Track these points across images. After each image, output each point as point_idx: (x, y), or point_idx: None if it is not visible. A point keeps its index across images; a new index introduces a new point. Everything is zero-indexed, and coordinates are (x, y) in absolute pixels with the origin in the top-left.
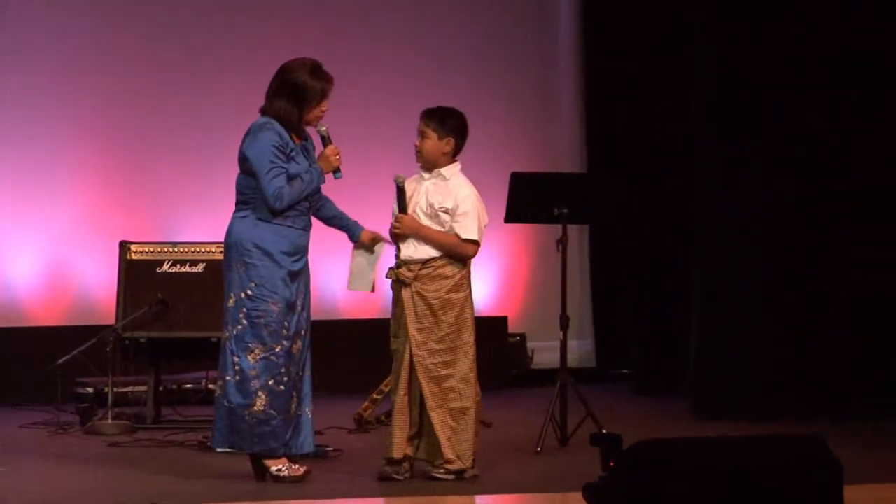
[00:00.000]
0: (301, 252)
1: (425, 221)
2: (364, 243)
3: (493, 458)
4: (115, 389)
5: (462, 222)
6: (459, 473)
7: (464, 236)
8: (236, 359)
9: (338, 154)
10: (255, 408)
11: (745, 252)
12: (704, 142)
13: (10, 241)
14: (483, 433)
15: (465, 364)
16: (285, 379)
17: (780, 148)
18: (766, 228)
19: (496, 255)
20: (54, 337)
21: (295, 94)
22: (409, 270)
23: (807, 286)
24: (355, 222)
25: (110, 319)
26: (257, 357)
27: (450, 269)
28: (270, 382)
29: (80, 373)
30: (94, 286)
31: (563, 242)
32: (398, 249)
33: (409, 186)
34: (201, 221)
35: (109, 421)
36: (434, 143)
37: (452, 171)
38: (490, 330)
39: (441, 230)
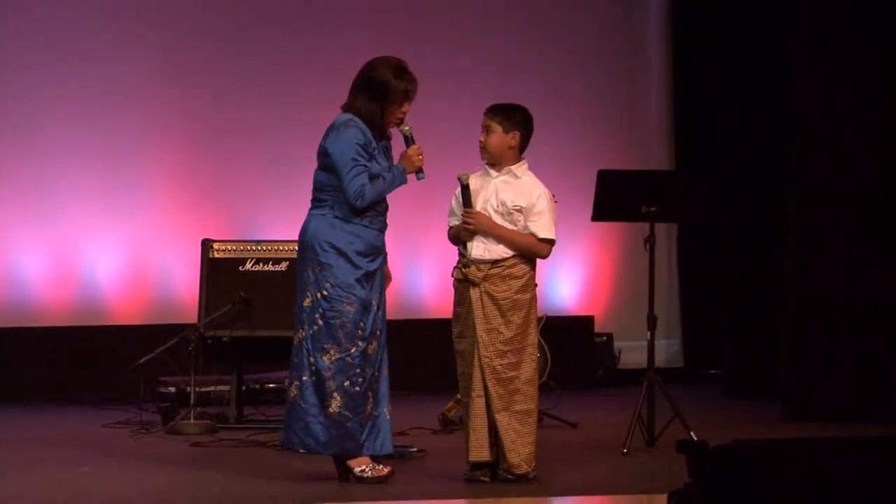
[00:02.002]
0: (376, 252)
1: (497, 220)
2: None
3: (580, 459)
4: (197, 389)
5: (538, 221)
6: (523, 477)
7: (541, 235)
8: (312, 359)
9: (420, 154)
10: (331, 409)
11: (837, 252)
12: (795, 141)
13: (95, 240)
14: (569, 433)
15: (531, 366)
16: (360, 380)
17: (873, 149)
18: (858, 229)
19: (583, 254)
20: (137, 336)
21: (378, 93)
22: (479, 270)
23: None
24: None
25: (193, 318)
26: (333, 358)
27: (519, 269)
28: (346, 383)
29: (162, 372)
30: (177, 285)
31: (650, 241)
32: (464, 248)
33: (473, 183)
34: (284, 219)
35: (191, 421)
36: (499, 137)
37: (522, 168)
38: (576, 330)
39: (514, 229)
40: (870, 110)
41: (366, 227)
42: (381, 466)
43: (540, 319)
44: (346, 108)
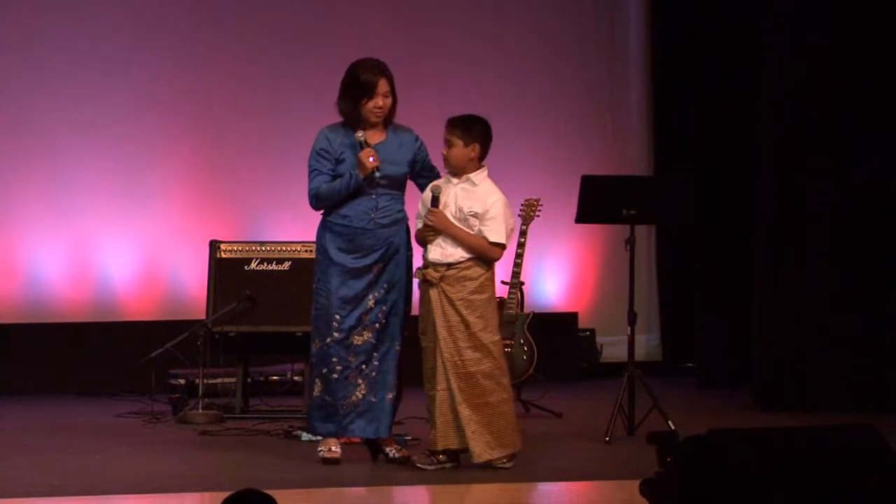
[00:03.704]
0: (364, 249)
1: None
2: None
3: (564, 447)
4: (205, 381)
5: (490, 226)
6: (487, 465)
7: (491, 240)
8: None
9: (371, 156)
10: (315, 393)
11: (806, 245)
12: (768, 141)
13: (107, 239)
14: (554, 422)
15: (491, 361)
16: (339, 368)
17: (844, 148)
18: (829, 222)
19: (567, 254)
20: (148, 331)
21: (350, 90)
22: (436, 271)
23: (870, 278)
24: None
25: (201, 314)
26: (317, 346)
27: (475, 272)
28: (324, 371)
29: (172, 365)
30: (186, 283)
31: (631, 242)
32: (426, 251)
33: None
34: (287, 222)
35: (200, 411)
36: (460, 150)
37: (481, 176)
38: (561, 325)
39: (470, 233)
40: (842, 112)
41: (346, 225)
42: (335, 448)
43: (527, 316)
44: (337, 105)
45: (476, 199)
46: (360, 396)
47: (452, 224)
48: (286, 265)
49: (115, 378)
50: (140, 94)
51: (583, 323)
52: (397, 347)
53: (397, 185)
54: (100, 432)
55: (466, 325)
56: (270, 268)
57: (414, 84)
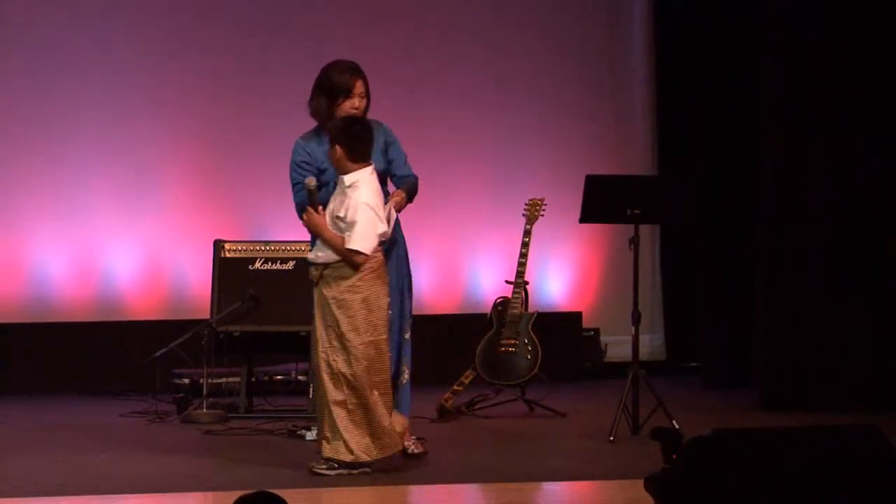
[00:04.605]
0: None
1: (330, 226)
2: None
3: (569, 446)
4: (209, 380)
5: (349, 231)
6: (353, 466)
7: (348, 246)
8: None
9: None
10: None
11: (808, 245)
12: (769, 139)
13: (111, 239)
14: (559, 422)
15: (358, 364)
16: None
17: (844, 144)
18: (830, 221)
19: (571, 253)
20: (152, 330)
21: (325, 91)
22: (316, 270)
23: (872, 277)
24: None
25: (205, 314)
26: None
27: (346, 271)
28: None
29: (176, 364)
30: (190, 282)
31: (635, 241)
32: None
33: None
34: (292, 221)
35: (204, 410)
36: (334, 154)
37: (351, 179)
38: (565, 325)
39: (338, 236)
40: (841, 109)
41: None
42: None
43: (531, 315)
44: (308, 105)
45: (342, 203)
46: None
47: (323, 227)
48: (290, 265)
49: (119, 378)
50: (144, 93)
51: (587, 322)
52: (405, 338)
53: (381, 181)
54: (104, 432)
55: (339, 324)
56: (275, 267)
57: (414, 85)
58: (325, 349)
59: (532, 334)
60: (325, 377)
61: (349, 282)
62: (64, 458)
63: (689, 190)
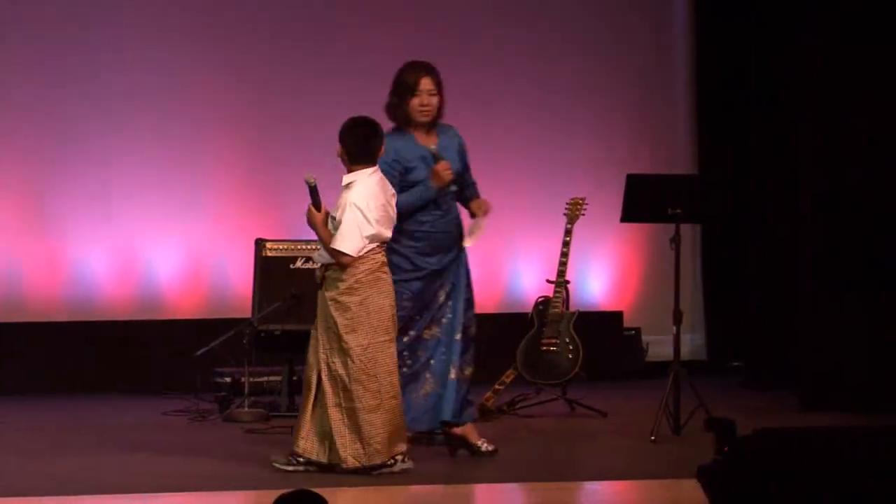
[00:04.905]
0: (443, 251)
1: (330, 226)
2: (474, 211)
3: (610, 446)
4: (251, 379)
5: (336, 231)
6: (359, 471)
7: (332, 245)
8: None
9: (448, 169)
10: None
11: (851, 246)
12: (810, 141)
13: (153, 238)
14: (600, 422)
15: (355, 366)
16: (409, 362)
17: (887, 147)
18: (872, 221)
19: (612, 253)
20: (194, 329)
21: (397, 89)
22: (319, 271)
23: None
24: (473, 197)
25: (247, 313)
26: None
27: (343, 273)
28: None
29: (218, 363)
30: (232, 281)
31: (676, 241)
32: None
33: None
34: None
35: (246, 409)
36: (339, 152)
37: (348, 179)
38: (606, 324)
39: (331, 235)
40: (883, 109)
41: (426, 231)
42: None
43: (572, 315)
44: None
45: (337, 203)
46: (429, 390)
47: (320, 226)
48: None
49: (161, 376)
50: (185, 93)
51: (628, 322)
52: (458, 336)
53: (456, 183)
54: (146, 431)
55: (336, 326)
56: (307, 266)
57: (451, 85)
58: (324, 350)
59: (573, 334)
60: (325, 379)
61: (346, 283)
62: (105, 456)
63: (730, 189)
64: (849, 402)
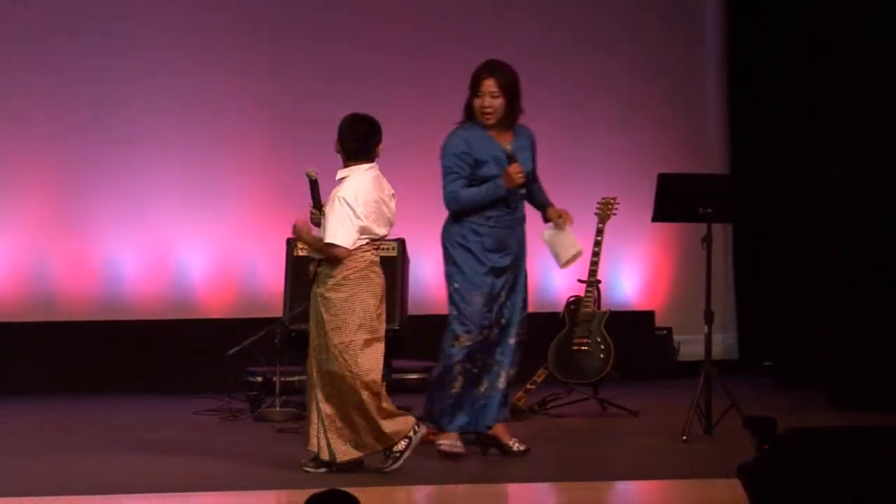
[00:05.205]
0: (508, 248)
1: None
2: (552, 219)
3: (641, 446)
4: (282, 378)
5: (326, 226)
6: (325, 465)
7: (325, 240)
8: (447, 346)
9: (520, 172)
10: (454, 390)
11: (878, 245)
12: (838, 141)
13: (184, 237)
14: (631, 421)
15: (335, 363)
16: (479, 363)
17: None
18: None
19: (644, 252)
20: (226, 329)
21: (469, 87)
22: (312, 266)
23: None
24: (544, 202)
25: (278, 312)
26: (459, 345)
27: (332, 269)
28: (465, 367)
29: (249, 363)
30: (263, 281)
31: (707, 240)
32: None
33: None
34: None
35: (277, 409)
36: (337, 148)
37: (341, 174)
38: (638, 324)
39: (314, 236)
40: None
41: (492, 227)
42: (459, 443)
43: (604, 314)
44: None
45: (329, 198)
46: (484, 389)
47: (303, 231)
48: None
49: (192, 376)
50: (216, 94)
51: (660, 321)
52: (512, 340)
53: (526, 185)
54: (177, 430)
55: (323, 322)
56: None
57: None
58: (314, 347)
59: (604, 333)
60: (315, 375)
61: (335, 280)
62: (135, 456)
63: (762, 189)
64: (877, 401)
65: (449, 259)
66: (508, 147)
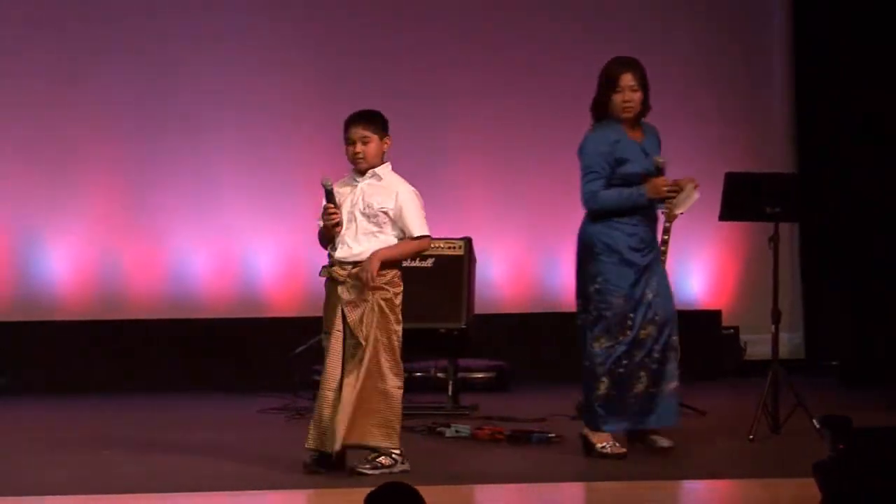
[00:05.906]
0: (648, 246)
1: (363, 222)
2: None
3: (708, 445)
4: None
5: (409, 221)
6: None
7: (416, 234)
8: (588, 346)
9: (667, 186)
10: (600, 391)
11: None
12: None
13: (251, 236)
14: (699, 420)
15: (391, 357)
16: (624, 362)
17: None
18: None
19: (710, 252)
20: (292, 327)
21: (601, 84)
22: (343, 269)
23: None
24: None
25: None
26: (602, 346)
27: (387, 269)
28: (612, 368)
29: (316, 361)
30: None
31: (774, 240)
32: (332, 249)
33: (340, 190)
34: (432, 218)
35: None
36: (377, 145)
37: (385, 170)
38: (704, 323)
39: (392, 242)
40: None
41: (634, 225)
42: (619, 445)
43: None
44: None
45: (385, 195)
46: (643, 389)
47: (381, 254)
48: (429, 262)
49: (258, 374)
50: (282, 93)
51: (726, 321)
52: (675, 337)
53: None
54: (242, 429)
55: (389, 321)
56: (414, 264)
57: (527, 84)
58: (372, 344)
59: None
60: (361, 372)
61: (386, 279)
62: (200, 453)
63: (830, 188)
64: None
65: (590, 259)
66: (661, 160)
